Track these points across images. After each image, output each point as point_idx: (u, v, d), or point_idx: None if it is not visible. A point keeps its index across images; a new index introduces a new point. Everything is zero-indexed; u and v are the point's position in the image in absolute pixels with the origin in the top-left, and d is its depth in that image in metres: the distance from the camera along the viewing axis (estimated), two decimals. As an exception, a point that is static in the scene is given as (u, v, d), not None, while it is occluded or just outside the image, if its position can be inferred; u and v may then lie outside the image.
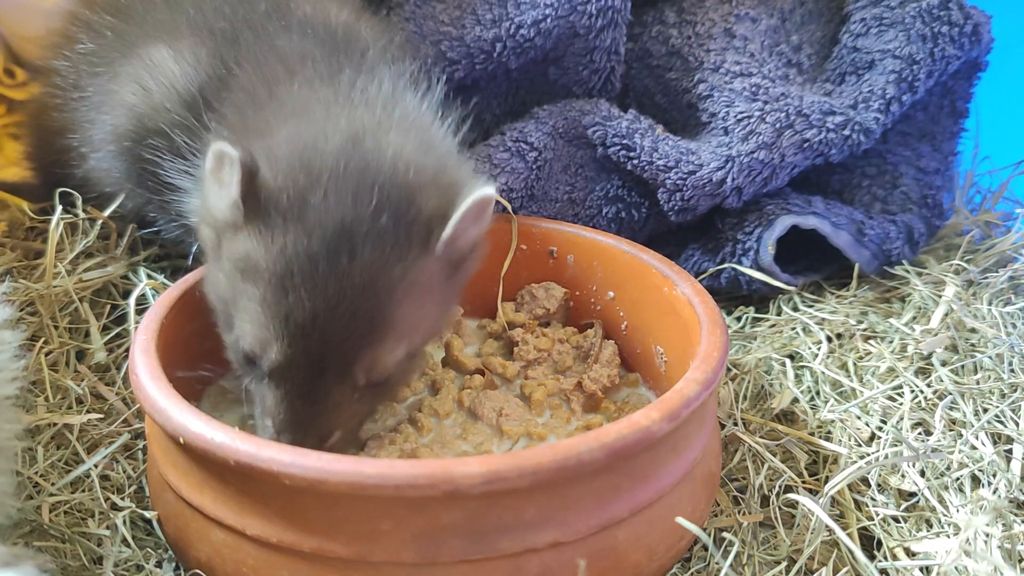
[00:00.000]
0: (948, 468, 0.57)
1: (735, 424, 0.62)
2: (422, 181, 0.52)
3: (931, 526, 0.54)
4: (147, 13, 0.67)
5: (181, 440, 0.45)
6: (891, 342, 0.69)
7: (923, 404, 0.62)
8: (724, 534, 0.53)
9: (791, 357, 0.70)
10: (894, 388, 0.64)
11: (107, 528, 0.52)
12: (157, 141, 0.61)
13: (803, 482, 0.58)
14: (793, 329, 0.74)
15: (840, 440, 0.60)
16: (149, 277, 0.72)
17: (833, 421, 0.62)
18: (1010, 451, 0.57)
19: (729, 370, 0.69)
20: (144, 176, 0.64)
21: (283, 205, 0.50)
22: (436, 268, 0.52)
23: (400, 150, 0.53)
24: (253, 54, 0.61)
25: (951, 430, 0.60)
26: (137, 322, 0.62)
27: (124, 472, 0.57)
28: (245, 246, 0.50)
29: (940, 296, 0.72)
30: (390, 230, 0.50)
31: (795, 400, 0.65)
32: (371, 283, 0.49)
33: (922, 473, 0.57)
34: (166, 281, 0.72)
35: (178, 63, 0.62)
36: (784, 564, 0.52)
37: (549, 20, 0.76)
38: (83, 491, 0.55)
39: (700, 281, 0.73)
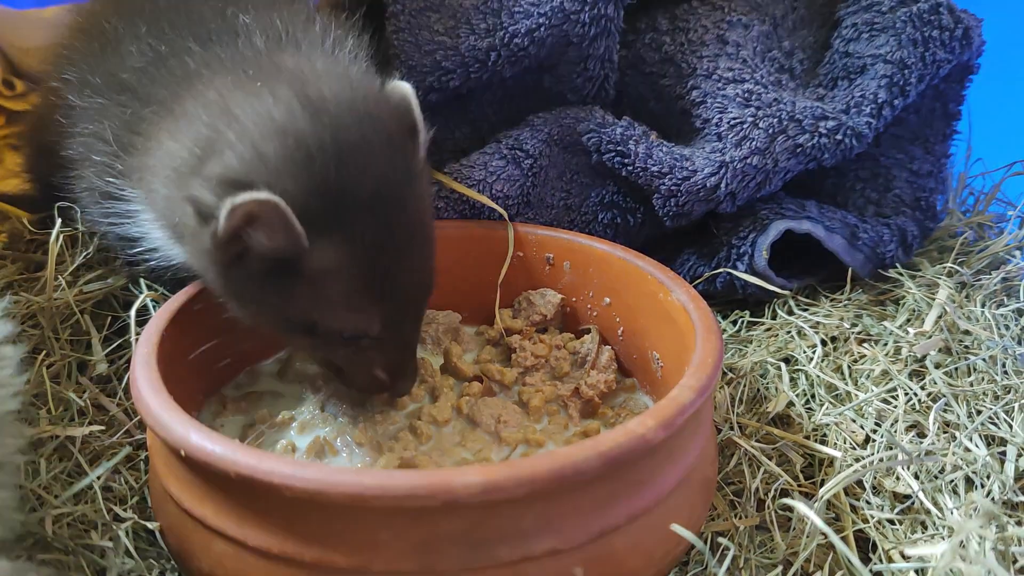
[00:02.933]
0: (942, 471, 0.57)
1: (731, 428, 0.63)
2: (380, 108, 0.53)
3: (926, 528, 0.55)
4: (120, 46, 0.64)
5: (182, 452, 0.45)
6: (885, 345, 0.69)
7: (917, 407, 0.63)
8: (720, 539, 0.53)
9: (786, 361, 0.70)
10: (888, 391, 0.64)
11: (110, 540, 0.53)
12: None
13: (799, 485, 0.59)
14: (788, 333, 0.74)
15: (835, 443, 0.61)
16: (149, 288, 0.72)
17: (828, 424, 0.63)
18: (1003, 453, 0.58)
19: (725, 374, 0.69)
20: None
21: (330, 198, 0.49)
22: (427, 173, 0.57)
23: (341, 91, 0.52)
24: (167, 84, 0.58)
25: (945, 432, 0.60)
26: (138, 334, 0.63)
27: (126, 483, 0.58)
28: (323, 259, 0.50)
29: (933, 299, 0.72)
30: (402, 160, 0.53)
31: (790, 404, 0.65)
32: (421, 214, 0.54)
33: (916, 476, 0.57)
34: (166, 292, 0.73)
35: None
36: (780, 568, 0.52)
37: (543, 29, 0.76)
38: (86, 503, 0.55)
39: (696, 286, 0.74)
